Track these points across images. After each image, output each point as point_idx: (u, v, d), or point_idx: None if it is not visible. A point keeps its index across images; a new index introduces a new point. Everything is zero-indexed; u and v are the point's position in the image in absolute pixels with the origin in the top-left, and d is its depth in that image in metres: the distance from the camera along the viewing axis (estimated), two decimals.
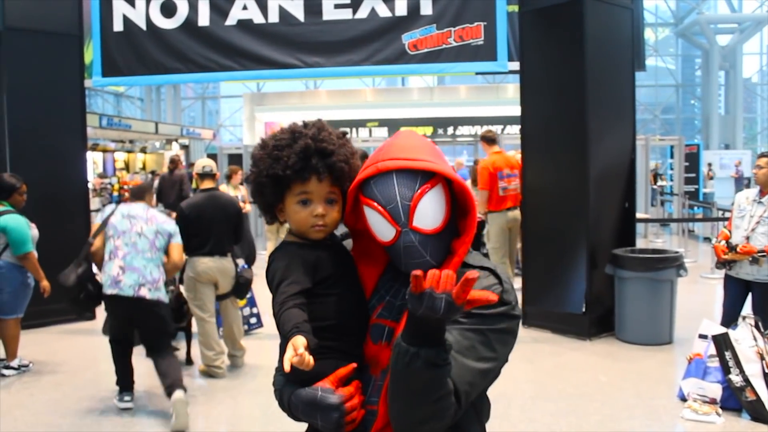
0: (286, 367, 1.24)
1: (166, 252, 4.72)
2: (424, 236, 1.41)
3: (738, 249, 4.99)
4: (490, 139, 7.94)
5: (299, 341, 1.26)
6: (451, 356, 1.32)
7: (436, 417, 1.31)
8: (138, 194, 4.89)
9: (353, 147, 1.57)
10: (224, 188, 7.22)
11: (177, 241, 4.80)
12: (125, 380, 4.72)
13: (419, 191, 1.39)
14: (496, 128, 21.27)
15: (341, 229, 1.65)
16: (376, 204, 1.41)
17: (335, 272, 1.50)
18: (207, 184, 5.52)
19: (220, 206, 5.40)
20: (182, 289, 5.50)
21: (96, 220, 4.66)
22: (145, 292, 4.48)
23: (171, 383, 4.38)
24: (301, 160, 1.47)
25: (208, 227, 5.30)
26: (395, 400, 1.33)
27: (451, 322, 1.33)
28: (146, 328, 4.63)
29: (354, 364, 1.43)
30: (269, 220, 1.61)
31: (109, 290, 4.44)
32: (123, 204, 4.79)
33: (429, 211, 1.40)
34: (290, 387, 1.46)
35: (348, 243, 1.63)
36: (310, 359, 1.24)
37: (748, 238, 5.00)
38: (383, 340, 1.48)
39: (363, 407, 1.43)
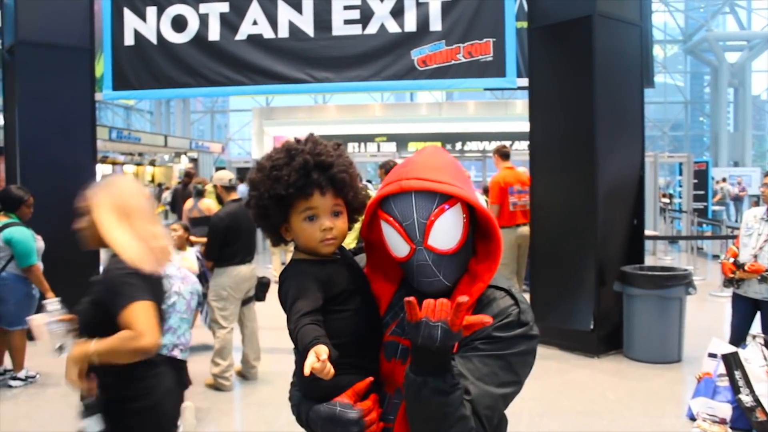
0: (306, 371, 1.22)
1: None
2: (438, 255, 1.41)
3: (746, 267, 4.96)
4: (504, 154, 7.94)
5: (322, 349, 1.26)
6: (470, 383, 1.34)
7: None
8: None
9: (349, 157, 1.57)
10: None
11: (198, 308, 5.03)
12: None
13: (436, 211, 1.39)
14: (500, 144, 21.29)
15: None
16: (392, 220, 1.42)
17: (347, 288, 1.50)
18: (234, 196, 5.66)
19: (249, 215, 5.48)
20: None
21: None
22: (177, 353, 4.56)
23: None
24: (302, 176, 1.46)
25: (244, 236, 5.45)
26: (413, 426, 1.35)
27: (469, 348, 1.39)
28: None
29: (371, 378, 1.44)
30: (275, 242, 1.60)
31: None
32: None
33: (445, 232, 1.40)
34: (308, 403, 1.46)
35: (361, 258, 1.63)
36: (330, 368, 1.24)
37: (756, 256, 4.97)
38: (397, 358, 1.48)
39: (380, 421, 1.44)
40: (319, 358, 1.23)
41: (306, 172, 1.47)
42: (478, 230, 1.50)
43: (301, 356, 1.33)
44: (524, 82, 7.09)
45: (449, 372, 1.28)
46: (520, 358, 1.43)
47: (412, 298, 1.21)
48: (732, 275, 5.08)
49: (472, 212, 1.46)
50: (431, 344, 1.21)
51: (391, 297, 1.55)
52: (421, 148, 1.54)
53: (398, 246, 1.44)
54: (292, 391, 1.58)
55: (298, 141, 1.54)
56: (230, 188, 5.65)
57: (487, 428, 1.37)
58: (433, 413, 1.29)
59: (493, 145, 13.25)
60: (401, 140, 22.65)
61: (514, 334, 1.41)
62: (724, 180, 20.44)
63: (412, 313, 1.21)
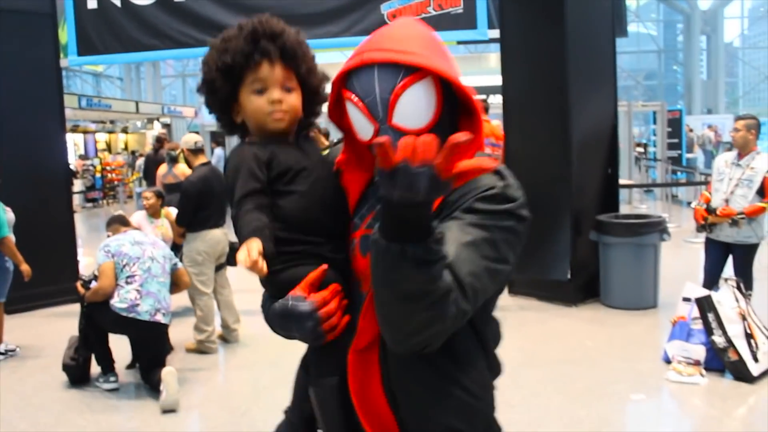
0: (244, 265, 1.13)
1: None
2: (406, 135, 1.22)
3: (718, 212, 5.04)
4: (483, 108, 7.91)
5: (254, 245, 1.16)
6: (450, 245, 1.13)
7: (436, 320, 1.10)
8: (125, 222, 5.01)
9: (305, 39, 1.50)
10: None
11: (182, 266, 5.03)
12: (106, 361, 4.73)
13: (401, 84, 1.22)
14: (480, 98, 21.26)
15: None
16: (354, 97, 1.27)
17: (294, 166, 1.38)
18: (202, 159, 5.57)
19: (221, 178, 5.48)
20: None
21: (100, 259, 4.59)
22: (160, 317, 4.58)
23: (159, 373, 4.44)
24: (248, 44, 1.39)
25: (217, 200, 5.40)
26: (383, 307, 1.13)
27: (446, 217, 1.22)
28: (150, 349, 4.69)
29: (325, 266, 1.32)
30: (227, 127, 1.50)
31: (124, 313, 4.46)
32: (122, 234, 4.79)
33: (411, 108, 1.23)
34: (270, 302, 1.36)
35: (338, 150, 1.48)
36: (263, 265, 1.14)
37: (727, 200, 5.05)
38: None
39: (347, 314, 1.32)
40: (250, 254, 1.13)
41: (254, 39, 1.39)
42: (460, 106, 1.33)
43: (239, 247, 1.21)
44: (496, 33, 7.03)
45: (432, 235, 1.05)
46: (505, 234, 1.23)
47: (384, 138, 0.95)
48: (704, 221, 5.16)
49: (449, 88, 1.28)
50: (413, 197, 0.97)
51: (365, 186, 1.39)
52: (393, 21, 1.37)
53: (363, 127, 1.28)
54: (263, 294, 1.44)
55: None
56: (197, 151, 5.56)
57: (471, 300, 1.15)
58: (409, 290, 1.06)
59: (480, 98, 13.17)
60: None
61: (499, 208, 1.22)
62: (710, 128, 20.45)
63: (385, 158, 0.96)
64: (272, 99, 1.40)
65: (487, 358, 1.38)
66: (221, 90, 1.43)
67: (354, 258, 1.37)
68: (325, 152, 1.53)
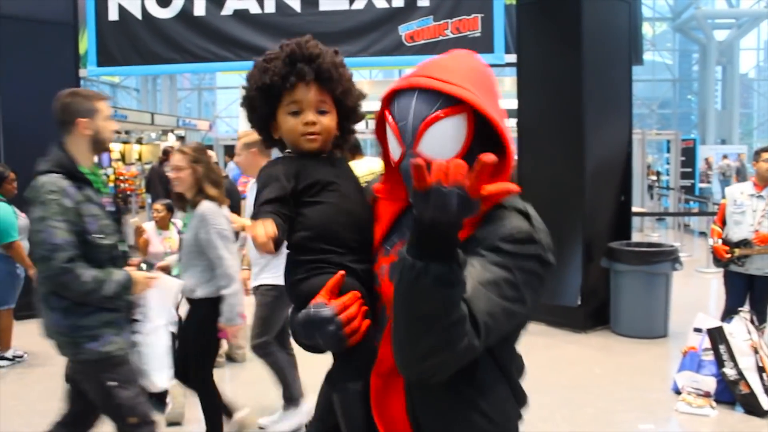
0: (253, 234, 1.21)
1: None
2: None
3: (754, 241, 4.94)
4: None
5: (269, 223, 1.25)
6: (469, 281, 1.16)
7: (446, 347, 1.13)
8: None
9: (343, 61, 1.54)
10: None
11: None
12: None
13: (433, 115, 1.25)
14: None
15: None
16: (391, 119, 1.32)
17: (321, 179, 1.44)
18: None
19: (235, 192, 5.64)
20: None
21: None
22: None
23: None
24: (286, 65, 1.45)
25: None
26: (398, 327, 1.16)
27: (471, 252, 1.22)
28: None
29: (342, 272, 1.36)
30: (267, 142, 1.58)
31: None
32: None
33: (438, 140, 1.26)
34: (295, 315, 1.39)
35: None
36: (270, 244, 1.22)
37: (756, 232, 4.98)
38: None
39: (368, 320, 1.34)
40: (265, 229, 1.22)
41: (292, 61, 1.45)
42: (490, 144, 1.29)
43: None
44: (512, 58, 7.06)
45: (455, 259, 1.09)
46: (527, 277, 1.23)
47: (419, 160, 1.01)
48: (729, 255, 5.06)
49: (486, 125, 1.28)
50: (444, 216, 1.03)
51: (399, 214, 1.42)
52: (452, 50, 1.40)
53: (394, 148, 1.33)
54: (290, 313, 1.49)
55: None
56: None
57: (482, 336, 1.17)
58: (426, 309, 1.09)
59: None
60: None
61: (524, 250, 1.23)
62: (725, 157, 20.33)
63: (420, 179, 1.01)
64: (306, 121, 1.46)
65: (511, 387, 1.40)
66: (260, 109, 1.51)
67: (382, 283, 1.40)
68: (365, 176, 1.61)
